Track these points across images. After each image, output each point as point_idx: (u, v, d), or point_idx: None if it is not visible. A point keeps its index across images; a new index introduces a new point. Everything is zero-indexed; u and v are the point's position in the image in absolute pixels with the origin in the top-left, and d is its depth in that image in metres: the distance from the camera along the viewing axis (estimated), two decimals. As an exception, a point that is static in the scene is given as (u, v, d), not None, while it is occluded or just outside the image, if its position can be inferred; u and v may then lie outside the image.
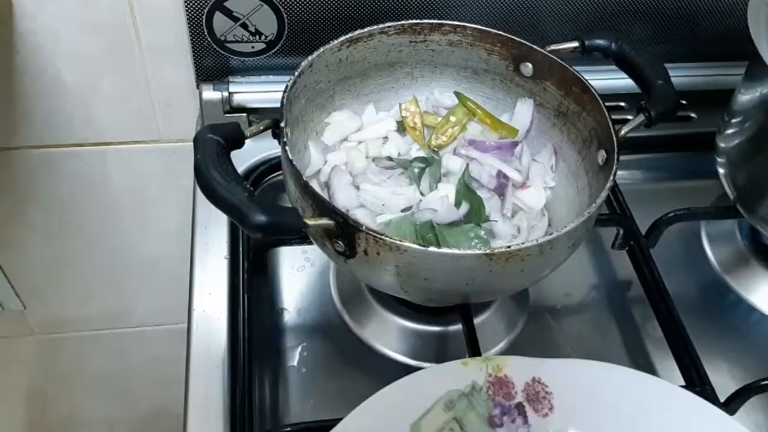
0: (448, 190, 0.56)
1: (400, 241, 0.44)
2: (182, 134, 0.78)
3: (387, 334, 0.59)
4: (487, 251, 0.45)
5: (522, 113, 0.60)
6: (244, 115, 0.70)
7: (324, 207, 0.46)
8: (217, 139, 0.46)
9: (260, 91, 0.69)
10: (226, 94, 0.68)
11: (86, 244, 0.89)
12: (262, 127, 0.51)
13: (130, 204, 0.85)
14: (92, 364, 1.09)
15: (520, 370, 0.48)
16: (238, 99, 0.69)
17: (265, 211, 0.42)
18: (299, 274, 0.63)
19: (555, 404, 0.47)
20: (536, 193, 0.57)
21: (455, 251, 0.45)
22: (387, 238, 0.44)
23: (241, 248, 0.61)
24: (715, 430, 0.46)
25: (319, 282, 0.63)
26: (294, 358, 0.57)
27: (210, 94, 0.68)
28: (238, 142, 0.48)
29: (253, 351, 0.55)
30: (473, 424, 0.46)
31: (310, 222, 0.45)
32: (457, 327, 0.57)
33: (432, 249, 0.45)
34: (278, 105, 0.52)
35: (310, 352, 0.58)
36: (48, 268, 0.91)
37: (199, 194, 0.45)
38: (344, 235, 0.46)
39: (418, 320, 0.59)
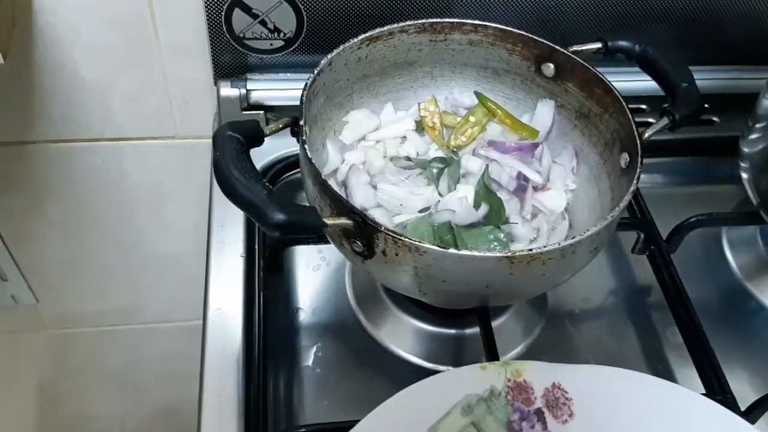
0: (466, 191, 0.55)
1: (420, 242, 0.44)
2: (199, 131, 0.77)
3: (402, 335, 0.58)
4: (508, 254, 0.44)
5: (543, 114, 0.59)
6: (262, 112, 0.69)
7: (342, 206, 0.46)
8: (237, 137, 0.46)
9: (278, 89, 0.69)
10: (243, 91, 0.68)
11: (102, 240, 0.89)
12: (281, 125, 0.50)
13: (146, 200, 0.85)
14: (104, 360, 1.09)
15: (540, 375, 0.47)
16: (255, 96, 0.69)
17: (284, 209, 0.42)
18: (315, 273, 0.63)
19: (575, 410, 0.46)
20: (556, 196, 0.57)
21: (476, 253, 0.44)
22: (406, 239, 0.44)
23: (257, 246, 0.61)
24: None
25: (334, 281, 0.62)
26: (309, 358, 0.57)
27: (227, 91, 0.68)
28: (257, 139, 0.48)
29: (268, 350, 0.54)
30: (492, 429, 0.46)
31: (329, 221, 0.44)
32: (474, 330, 0.57)
33: (452, 251, 0.44)
34: (296, 103, 0.51)
35: (325, 353, 0.57)
36: (63, 263, 0.91)
37: (216, 192, 0.45)
38: (363, 235, 0.45)
39: (434, 322, 0.58)
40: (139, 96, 0.74)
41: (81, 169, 0.81)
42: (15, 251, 0.88)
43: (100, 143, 0.78)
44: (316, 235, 0.44)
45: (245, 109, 0.69)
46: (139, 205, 0.85)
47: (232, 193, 0.43)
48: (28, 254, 0.89)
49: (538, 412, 0.46)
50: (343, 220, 0.45)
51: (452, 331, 0.59)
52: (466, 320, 0.58)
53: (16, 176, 0.80)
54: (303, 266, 0.63)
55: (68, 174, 0.81)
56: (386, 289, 0.60)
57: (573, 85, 0.57)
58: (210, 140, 0.46)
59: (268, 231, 0.43)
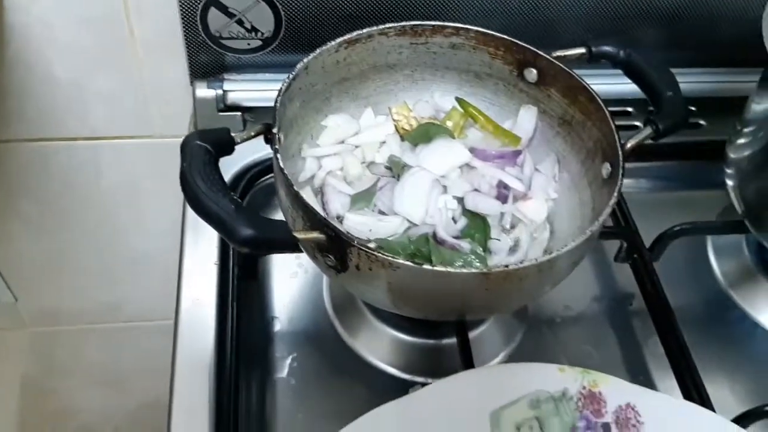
0: (445, 200, 0.54)
1: (393, 257, 0.43)
2: (177, 130, 0.76)
3: (380, 345, 0.57)
4: (484, 270, 0.43)
5: (525, 121, 0.58)
6: (239, 113, 0.68)
7: (315, 219, 0.44)
8: (206, 146, 0.45)
9: (256, 90, 0.67)
10: (220, 92, 0.66)
11: (79, 239, 0.88)
12: (253, 133, 0.49)
13: (123, 199, 0.83)
14: (87, 357, 1.08)
15: (617, 391, 0.46)
16: (232, 97, 0.67)
17: (253, 224, 0.41)
18: (292, 280, 0.61)
19: None
20: (538, 206, 0.55)
21: (450, 270, 0.43)
22: (379, 254, 0.43)
23: (231, 253, 0.59)
24: None
25: (311, 289, 0.61)
26: (284, 369, 0.56)
27: (204, 92, 0.66)
28: (227, 148, 0.47)
29: (240, 361, 0.53)
30: (554, 429, 0.45)
31: (300, 236, 0.43)
32: (452, 340, 0.56)
33: (426, 267, 0.43)
34: (274, 104, 0.50)
35: (301, 363, 0.56)
36: (40, 261, 0.90)
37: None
38: (336, 249, 0.44)
39: (412, 332, 0.57)
40: (115, 95, 0.73)
41: (57, 168, 0.79)
42: (-8, 250, 0.87)
43: (76, 142, 0.77)
44: (288, 251, 0.43)
45: (222, 110, 0.67)
46: (116, 204, 0.84)
47: (198, 208, 0.42)
48: (5, 253, 0.88)
49: (606, 427, 0.46)
50: (315, 235, 0.44)
51: (430, 341, 0.58)
52: (444, 330, 0.57)
53: (-9, 175, 0.79)
54: (280, 273, 0.62)
55: (44, 173, 0.79)
56: (364, 298, 0.59)
57: (556, 91, 0.56)
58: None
59: (236, 247, 0.42)
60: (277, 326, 0.58)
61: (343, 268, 0.45)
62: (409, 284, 0.44)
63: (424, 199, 0.53)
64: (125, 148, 0.77)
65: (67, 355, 1.06)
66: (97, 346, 1.05)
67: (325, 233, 0.44)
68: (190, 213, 0.62)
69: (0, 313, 0.97)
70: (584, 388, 0.46)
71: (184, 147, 0.44)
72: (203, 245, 0.60)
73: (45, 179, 0.80)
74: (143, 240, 0.88)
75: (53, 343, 1.04)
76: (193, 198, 0.42)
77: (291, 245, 0.43)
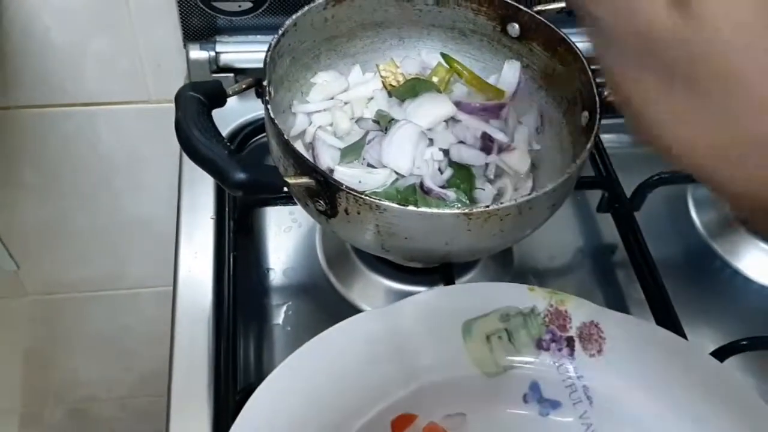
0: (431, 152, 0.56)
1: (380, 200, 0.45)
2: (172, 95, 0.77)
3: (372, 294, 0.59)
4: (466, 211, 0.45)
5: (509, 75, 0.60)
6: (232, 75, 0.69)
7: (305, 166, 0.46)
8: (198, 97, 0.47)
9: (247, 51, 0.68)
10: (212, 53, 0.68)
11: (79, 206, 0.89)
12: (244, 86, 0.51)
13: (121, 165, 0.85)
14: (89, 326, 1.10)
15: (582, 310, 0.50)
16: (225, 59, 0.69)
17: (246, 168, 0.43)
18: (286, 234, 0.63)
19: (605, 349, 0.48)
20: (521, 157, 0.57)
21: (434, 210, 0.45)
22: (367, 198, 0.45)
23: (227, 208, 0.61)
24: None
25: (305, 243, 0.63)
26: (279, 316, 0.58)
27: (197, 53, 0.68)
28: (220, 100, 0.49)
29: (238, 309, 0.55)
30: (521, 340, 0.49)
31: (291, 180, 0.45)
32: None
33: (411, 208, 0.45)
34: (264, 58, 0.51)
35: (295, 311, 0.59)
36: (41, 229, 0.92)
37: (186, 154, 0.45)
38: (325, 194, 0.46)
39: (403, 281, 0.59)
40: (111, 60, 0.74)
41: (56, 134, 0.81)
42: (-7, 218, 0.89)
43: (74, 108, 0.78)
44: (279, 194, 0.45)
45: (215, 72, 0.69)
46: (115, 170, 0.85)
47: (193, 154, 0.44)
48: (5, 221, 0.90)
49: (569, 340, 0.49)
50: (305, 180, 0.46)
51: (420, 288, 0.59)
52: (432, 278, 0.59)
53: (-9, 142, 0.80)
54: (274, 228, 0.64)
55: (43, 139, 0.81)
56: (356, 250, 0.61)
57: (537, 45, 0.58)
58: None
59: (230, 190, 0.44)
60: (272, 277, 0.60)
61: (333, 213, 0.47)
62: (396, 226, 0.46)
63: (411, 151, 0.55)
64: (122, 113, 0.79)
65: (69, 324, 1.08)
66: (101, 315, 1.07)
67: (314, 178, 0.46)
68: (186, 170, 0.64)
69: (2, 281, 0.99)
70: (551, 306, 0.50)
71: (178, 98, 0.46)
72: (200, 202, 0.62)
73: (44, 146, 0.82)
74: (143, 205, 0.90)
75: (55, 311, 1.06)
76: (188, 145, 0.44)
77: (282, 189, 0.45)
